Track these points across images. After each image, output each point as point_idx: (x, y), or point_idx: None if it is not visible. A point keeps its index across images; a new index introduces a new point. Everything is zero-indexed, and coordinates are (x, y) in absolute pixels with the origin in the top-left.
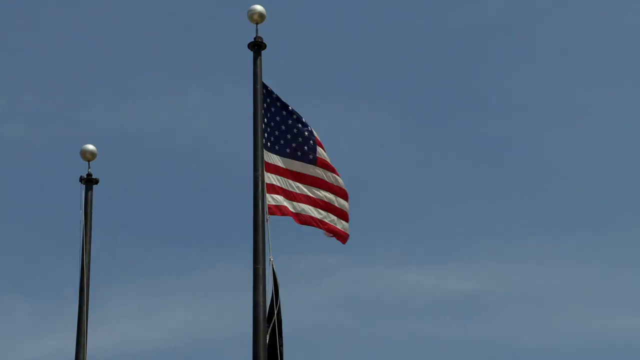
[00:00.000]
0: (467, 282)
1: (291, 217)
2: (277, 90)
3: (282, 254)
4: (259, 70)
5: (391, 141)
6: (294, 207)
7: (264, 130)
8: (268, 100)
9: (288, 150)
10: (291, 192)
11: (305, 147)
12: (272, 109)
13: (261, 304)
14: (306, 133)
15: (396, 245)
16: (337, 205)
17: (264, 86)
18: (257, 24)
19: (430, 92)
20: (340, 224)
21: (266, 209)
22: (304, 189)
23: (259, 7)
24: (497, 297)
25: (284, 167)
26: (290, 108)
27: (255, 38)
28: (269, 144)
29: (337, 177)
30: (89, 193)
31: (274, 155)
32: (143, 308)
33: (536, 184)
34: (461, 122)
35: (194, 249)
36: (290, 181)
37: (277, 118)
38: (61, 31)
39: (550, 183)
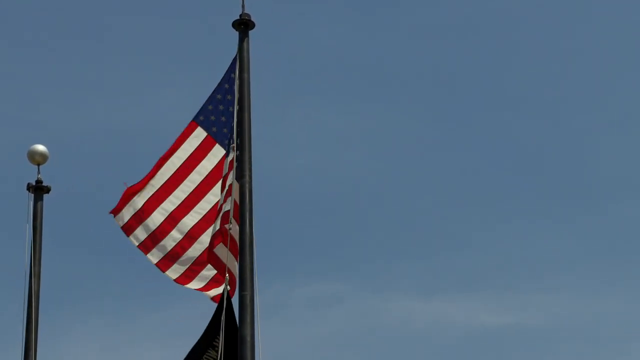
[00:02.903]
0: (504, 315)
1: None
2: (270, 82)
3: (279, 281)
4: (245, 54)
5: (412, 147)
6: None
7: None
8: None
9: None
10: None
11: None
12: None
13: (248, 339)
14: None
15: (418, 270)
16: None
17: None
18: None
19: (461, 90)
20: None
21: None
22: None
23: None
24: (540, 334)
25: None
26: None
27: (241, 15)
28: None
29: None
30: (39, 204)
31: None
32: (107, 347)
33: (589, 200)
34: (498, 126)
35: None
36: None
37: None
38: (7, 15)
39: (606, 198)
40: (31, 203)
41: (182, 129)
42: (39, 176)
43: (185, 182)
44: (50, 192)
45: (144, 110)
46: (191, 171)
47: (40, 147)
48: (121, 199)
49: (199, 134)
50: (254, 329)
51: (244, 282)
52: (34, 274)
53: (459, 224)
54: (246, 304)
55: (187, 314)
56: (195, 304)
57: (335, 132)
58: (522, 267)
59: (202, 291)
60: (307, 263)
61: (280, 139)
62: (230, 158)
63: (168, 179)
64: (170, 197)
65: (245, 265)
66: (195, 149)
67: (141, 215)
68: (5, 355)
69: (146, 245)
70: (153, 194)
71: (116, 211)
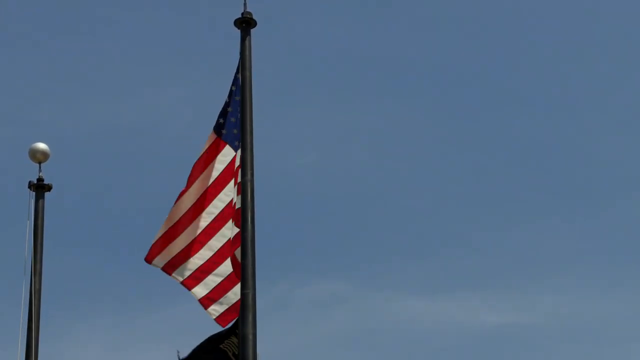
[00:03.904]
0: (506, 314)
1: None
2: (272, 80)
3: (281, 281)
4: (247, 53)
5: (415, 146)
6: None
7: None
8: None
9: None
10: None
11: None
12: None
13: (250, 338)
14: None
15: (422, 270)
16: None
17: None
18: None
19: (465, 88)
20: None
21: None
22: None
23: None
24: (542, 333)
25: None
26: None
27: (242, 13)
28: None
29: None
30: (40, 202)
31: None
32: (111, 347)
33: (592, 200)
34: (503, 124)
35: None
36: None
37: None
38: (8, 14)
39: (609, 198)
40: (32, 201)
41: (183, 128)
42: (40, 174)
43: (215, 201)
44: (52, 190)
45: (146, 108)
46: (221, 189)
47: (42, 145)
48: (155, 244)
49: (228, 153)
50: (255, 328)
51: (246, 280)
52: (35, 273)
53: (462, 224)
54: (248, 302)
55: (189, 314)
56: (195, 301)
57: (337, 131)
58: (524, 266)
59: (203, 306)
60: (309, 262)
61: (283, 137)
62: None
63: (196, 201)
64: (201, 220)
65: (247, 264)
66: (226, 167)
67: (180, 255)
68: (6, 354)
69: (172, 266)
70: (182, 218)
71: (151, 256)
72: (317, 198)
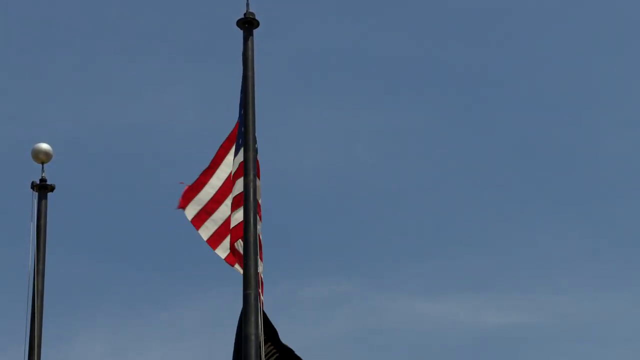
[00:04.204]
0: (511, 315)
1: None
2: (274, 81)
3: (283, 280)
4: (249, 53)
5: (420, 145)
6: None
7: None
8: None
9: None
10: None
11: None
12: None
13: (253, 337)
14: None
15: (424, 269)
16: None
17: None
18: None
19: (472, 85)
20: None
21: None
22: None
23: None
24: (549, 334)
25: None
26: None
27: (245, 14)
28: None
29: None
30: (43, 202)
31: None
32: (114, 347)
33: (596, 199)
34: (505, 124)
35: (176, 273)
36: None
37: None
38: (9, 14)
39: (612, 198)
40: (35, 201)
41: (185, 128)
42: (43, 175)
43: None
44: (54, 190)
45: (149, 109)
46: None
47: (44, 146)
48: (184, 195)
49: None
50: (258, 328)
51: (248, 280)
52: (38, 273)
53: (465, 224)
54: (250, 302)
55: (192, 314)
56: (202, 303)
57: (339, 131)
58: (525, 266)
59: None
60: (313, 262)
61: (285, 138)
62: (240, 159)
63: (226, 179)
64: (230, 196)
65: (249, 264)
66: None
67: (208, 212)
68: (10, 355)
69: (214, 241)
70: (216, 192)
71: (183, 205)
72: (320, 198)
